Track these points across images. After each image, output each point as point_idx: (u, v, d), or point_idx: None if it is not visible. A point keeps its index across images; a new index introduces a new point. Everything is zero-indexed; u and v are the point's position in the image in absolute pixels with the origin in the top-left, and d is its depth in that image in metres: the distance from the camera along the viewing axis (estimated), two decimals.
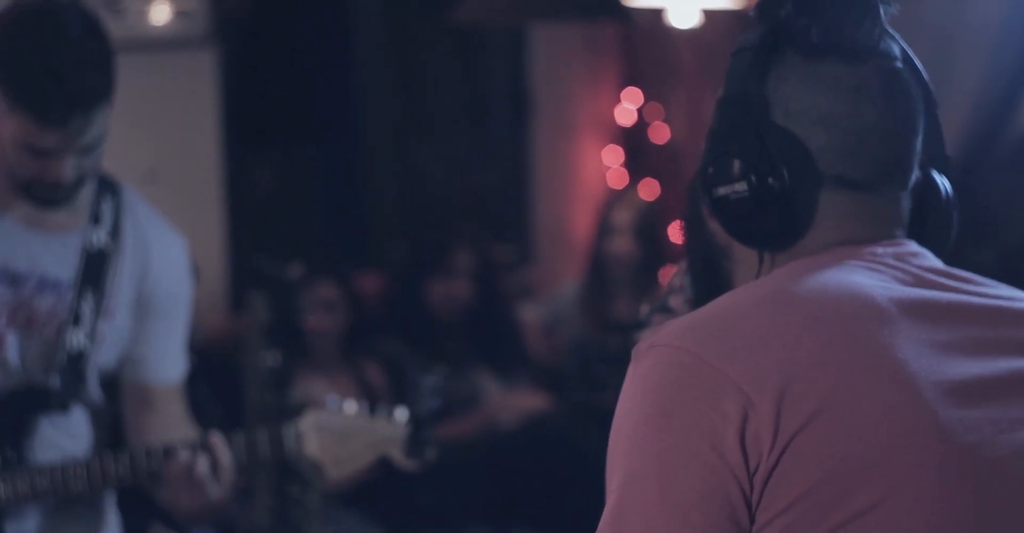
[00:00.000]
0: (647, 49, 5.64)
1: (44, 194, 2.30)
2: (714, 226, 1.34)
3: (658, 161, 5.68)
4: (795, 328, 1.22)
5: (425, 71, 5.57)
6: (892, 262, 1.29)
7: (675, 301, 1.56)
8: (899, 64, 1.33)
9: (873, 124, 1.30)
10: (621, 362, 4.30)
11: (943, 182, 1.38)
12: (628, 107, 5.66)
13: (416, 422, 2.38)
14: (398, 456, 2.39)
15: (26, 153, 2.24)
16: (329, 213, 5.37)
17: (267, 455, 2.37)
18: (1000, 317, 1.29)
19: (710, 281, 1.38)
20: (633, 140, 5.68)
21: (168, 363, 2.44)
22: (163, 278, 2.44)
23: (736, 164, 1.29)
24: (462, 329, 4.50)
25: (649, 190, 5.28)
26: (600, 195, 5.52)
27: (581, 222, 5.51)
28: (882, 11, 1.31)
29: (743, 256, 1.34)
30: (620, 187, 5.44)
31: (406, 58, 5.50)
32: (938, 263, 1.32)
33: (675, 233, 5.09)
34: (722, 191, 1.30)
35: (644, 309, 1.65)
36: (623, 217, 4.65)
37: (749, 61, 1.32)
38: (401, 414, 2.40)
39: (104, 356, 2.37)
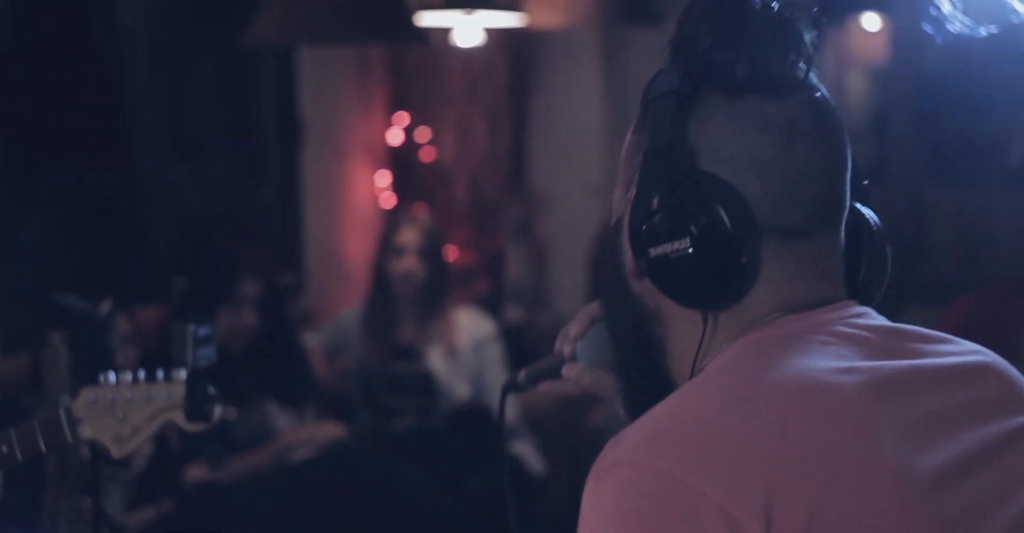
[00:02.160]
0: (415, 71, 5.74)
1: None
2: (643, 289, 1.28)
3: (427, 184, 5.79)
4: (770, 433, 1.13)
5: (192, 95, 5.52)
6: (845, 331, 1.24)
7: (571, 371, 1.46)
8: (822, 93, 1.27)
9: (808, 164, 1.24)
10: (407, 387, 4.35)
11: (870, 214, 1.34)
12: (397, 130, 5.75)
13: (191, 379, 2.25)
14: (182, 420, 2.26)
15: None
16: (102, 245, 5.27)
17: (42, 446, 2.24)
18: (954, 379, 1.25)
19: (639, 350, 1.31)
20: (402, 163, 5.77)
21: None
22: None
23: (674, 220, 1.23)
24: (249, 360, 4.48)
25: (422, 210, 5.36)
26: (371, 218, 5.58)
27: (354, 245, 5.56)
28: (807, 40, 1.25)
29: (680, 320, 1.27)
30: (390, 210, 5.52)
31: (172, 82, 5.44)
32: (884, 321, 1.28)
33: (452, 254, 5.20)
34: (660, 250, 1.24)
35: (522, 374, 1.53)
36: (408, 237, 4.69)
37: (671, 106, 1.24)
38: (180, 376, 2.25)
39: None
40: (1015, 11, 2.27)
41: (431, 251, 4.66)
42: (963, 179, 5.74)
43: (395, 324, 4.67)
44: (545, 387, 1.51)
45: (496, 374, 4.63)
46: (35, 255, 4.92)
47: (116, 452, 2.24)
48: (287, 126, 5.59)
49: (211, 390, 2.25)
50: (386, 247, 4.72)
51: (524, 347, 4.97)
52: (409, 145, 5.80)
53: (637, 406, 1.31)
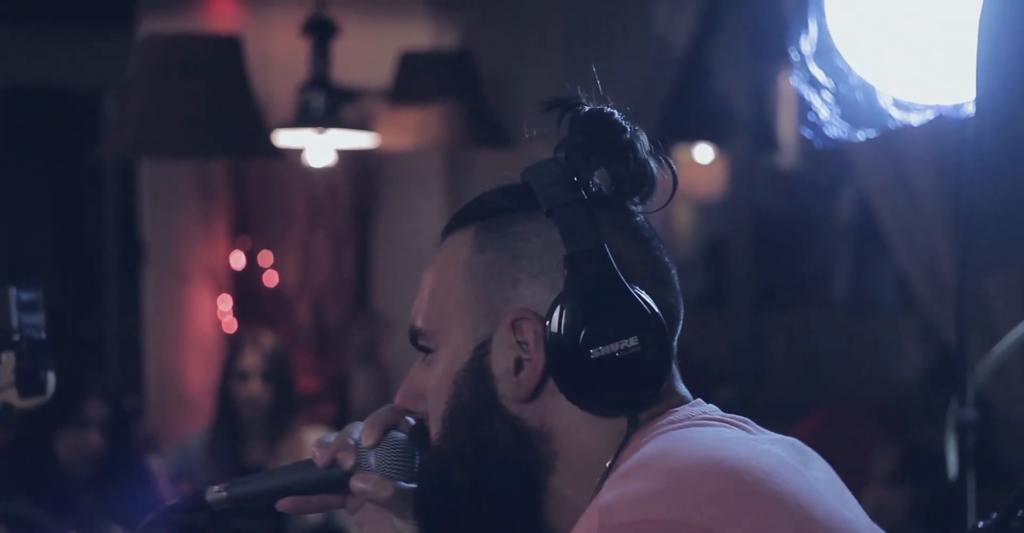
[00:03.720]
0: (258, 193, 5.77)
1: None
2: (526, 410, 1.29)
3: (270, 307, 5.79)
4: (768, 496, 1.18)
5: (30, 217, 5.48)
6: (720, 417, 1.32)
7: (366, 482, 1.38)
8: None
9: (667, 270, 1.35)
10: (257, 510, 4.35)
11: None
12: (239, 253, 5.75)
13: (20, 350, 2.15)
14: (15, 399, 2.17)
15: None
16: None
17: None
18: (801, 449, 1.33)
19: (517, 472, 1.30)
20: (244, 286, 5.76)
21: None
22: None
23: (621, 320, 1.26)
24: (94, 483, 4.40)
25: (266, 334, 5.35)
26: (213, 342, 5.56)
27: (196, 369, 5.52)
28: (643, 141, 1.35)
29: (576, 432, 1.29)
30: (232, 334, 5.50)
31: (13, 201, 5.40)
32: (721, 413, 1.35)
33: (297, 379, 5.19)
34: (604, 351, 1.26)
35: (219, 490, 1.39)
36: (252, 361, 4.69)
37: (583, 214, 1.30)
38: (7, 357, 2.14)
39: None
40: (890, 116, 2.42)
41: (276, 374, 4.67)
42: (793, 307, 5.95)
43: (242, 446, 4.64)
44: (294, 504, 1.41)
45: None
46: None
47: None
48: (128, 247, 5.56)
49: (41, 360, 2.14)
50: (230, 371, 4.71)
51: None
52: (251, 268, 5.80)
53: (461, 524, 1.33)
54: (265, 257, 5.83)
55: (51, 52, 5.29)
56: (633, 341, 1.26)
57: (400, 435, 1.40)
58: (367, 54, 5.36)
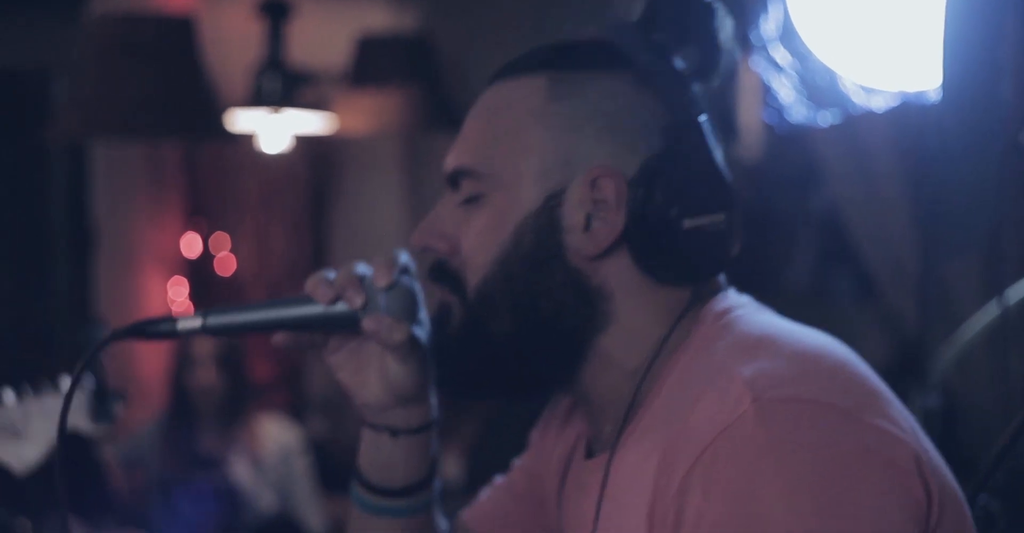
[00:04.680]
0: (213, 177, 5.73)
1: None
2: (591, 267, 1.30)
3: (224, 293, 5.75)
4: (870, 384, 1.23)
5: None
6: (756, 305, 1.38)
7: (378, 323, 1.37)
8: None
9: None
10: (210, 499, 4.29)
11: None
12: (193, 237, 5.71)
13: (98, 379, 2.29)
14: (83, 424, 2.30)
15: None
16: None
17: None
18: None
19: (566, 325, 1.31)
20: (198, 272, 5.73)
21: None
22: None
23: (715, 194, 1.30)
24: (45, 472, 4.36)
25: None
26: None
27: (147, 357, 5.47)
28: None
29: (637, 296, 1.31)
30: None
31: None
32: None
33: (251, 366, 5.15)
34: (694, 222, 1.29)
35: (200, 318, 1.36)
36: (204, 348, 4.66)
37: (683, 86, 1.33)
38: (65, 384, 2.28)
39: None
40: (852, 102, 2.41)
41: (228, 361, 4.65)
42: (751, 295, 5.95)
43: (196, 435, 4.62)
44: (289, 339, 1.41)
45: (305, 485, 4.60)
46: None
47: (19, 467, 2.24)
48: (78, 232, 5.51)
49: (110, 389, 2.27)
50: (182, 359, 4.69)
51: (327, 459, 4.95)
52: (205, 253, 5.76)
53: (479, 376, 1.35)
54: (220, 242, 5.79)
55: None
56: (720, 217, 1.29)
57: (407, 279, 1.40)
58: (324, 37, 5.33)
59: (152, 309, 5.60)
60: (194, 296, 5.69)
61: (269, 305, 1.38)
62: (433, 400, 1.49)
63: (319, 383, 5.69)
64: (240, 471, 4.52)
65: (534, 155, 1.32)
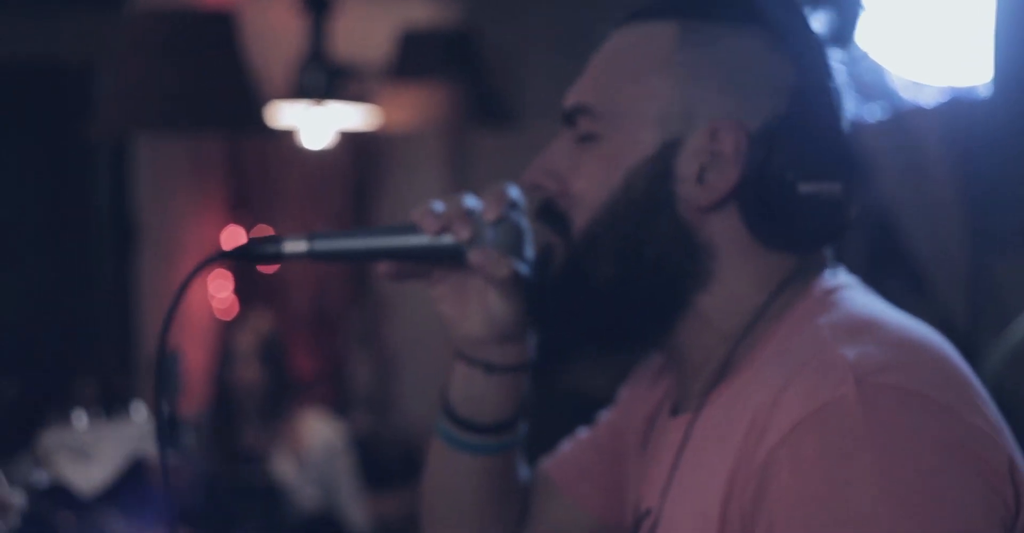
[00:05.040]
0: (257, 171, 5.74)
1: None
2: (702, 221, 1.28)
3: (268, 288, 5.76)
4: (969, 379, 1.22)
5: (24, 193, 5.45)
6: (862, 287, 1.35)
7: (485, 257, 1.36)
8: None
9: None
10: (253, 494, 4.29)
11: None
12: (236, 232, 5.72)
13: (167, 407, 2.35)
14: (152, 450, 2.34)
15: None
16: None
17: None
18: None
19: (668, 276, 1.29)
20: (241, 268, 5.74)
21: None
22: None
23: (837, 162, 1.28)
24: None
25: (261, 317, 5.33)
26: (208, 323, 5.53)
27: (191, 350, 5.48)
28: None
29: (742, 258, 1.30)
30: (232, 314, 5.47)
31: (2, 180, 5.37)
32: None
33: (295, 361, 5.16)
34: (810, 188, 1.27)
35: (308, 241, 1.35)
36: (247, 343, 4.67)
37: (819, 50, 1.31)
38: (138, 409, 2.35)
39: None
40: (900, 97, 2.38)
41: (270, 357, 4.65)
42: None
43: (239, 430, 4.62)
44: (394, 269, 1.41)
45: (348, 481, 4.60)
46: None
47: (86, 487, 2.29)
48: (121, 226, 5.53)
49: (180, 419, 2.31)
50: (225, 354, 4.70)
51: (370, 455, 4.95)
52: None
53: (573, 316, 1.33)
54: (262, 234, 5.79)
55: (41, 26, 5.25)
56: (836, 187, 1.27)
57: (517, 214, 1.39)
58: (367, 31, 5.32)
59: (195, 303, 5.61)
60: (236, 290, 5.70)
61: (375, 233, 1.38)
62: (531, 340, 1.48)
63: (363, 379, 5.69)
64: (283, 467, 4.52)
65: (656, 100, 1.31)
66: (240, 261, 1.37)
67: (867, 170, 1.30)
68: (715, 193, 1.28)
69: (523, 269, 1.39)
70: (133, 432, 2.33)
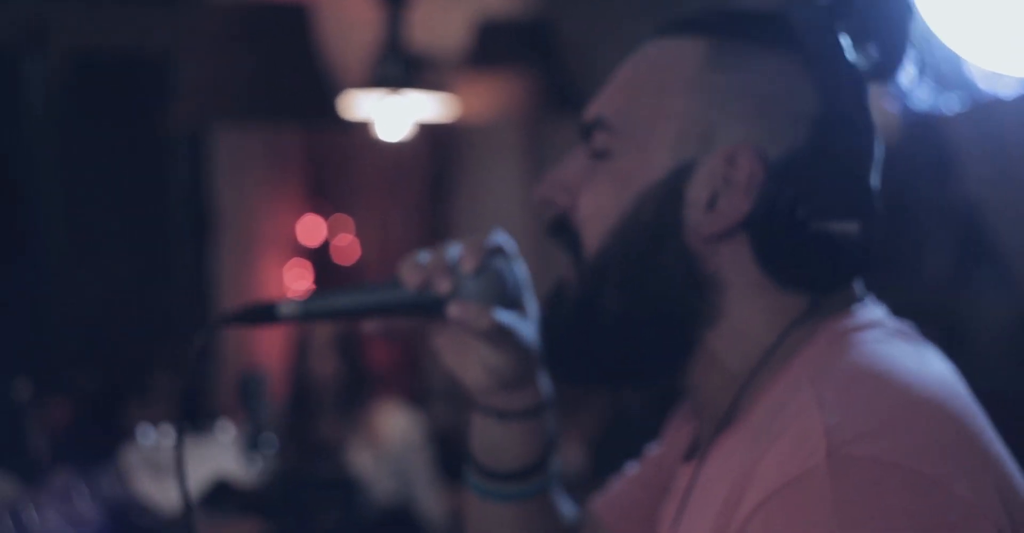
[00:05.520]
0: (334, 161, 5.75)
1: None
2: (709, 253, 1.22)
3: (345, 279, 5.77)
4: (975, 446, 1.12)
5: (103, 184, 5.49)
6: (898, 329, 1.25)
7: (465, 311, 1.32)
8: None
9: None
10: (330, 486, 4.30)
11: None
12: (315, 221, 5.74)
13: (253, 425, 2.37)
14: (235, 467, 2.38)
15: None
16: (4, 334, 5.19)
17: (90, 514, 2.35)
18: (957, 379, 1.28)
19: (673, 313, 1.23)
20: (319, 257, 5.76)
21: None
22: None
23: (854, 199, 1.21)
24: None
25: None
26: None
27: (268, 341, 5.51)
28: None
29: (751, 294, 1.23)
30: None
31: (82, 171, 5.41)
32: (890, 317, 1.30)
33: (372, 352, 5.17)
34: (823, 226, 1.20)
35: (292, 304, 1.33)
36: (323, 335, 4.68)
37: (851, 78, 1.24)
38: (223, 425, 2.39)
39: None
40: (977, 88, 2.33)
41: (347, 349, 4.66)
42: (882, 288, 5.86)
43: (316, 422, 4.64)
44: (381, 327, 1.38)
45: (425, 474, 4.61)
46: None
47: (166, 505, 2.32)
48: (199, 218, 5.57)
49: (266, 435, 2.34)
50: (301, 346, 4.71)
51: (448, 447, 4.95)
52: (327, 239, 5.79)
53: (581, 364, 1.28)
54: (340, 227, 5.81)
55: (120, 19, 5.29)
56: (853, 226, 1.21)
57: (498, 261, 1.36)
58: (444, 21, 5.31)
59: (272, 293, 5.63)
60: (318, 281, 5.72)
61: (363, 290, 1.35)
62: (543, 383, 1.44)
63: (441, 370, 5.69)
64: (359, 460, 4.53)
65: (674, 121, 1.25)
66: (241, 325, 1.33)
67: (884, 211, 1.22)
68: (724, 221, 1.21)
69: (506, 318, 1.34)
70: (217, 451, 2.35)
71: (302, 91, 3.92)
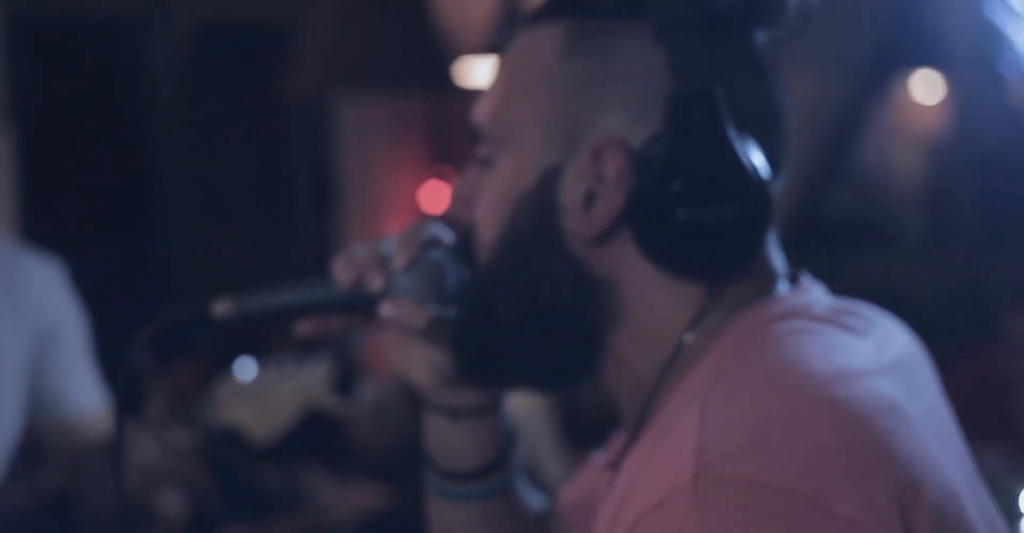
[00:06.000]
0: (456, 125, 5.76)
1: None
2: (593, 255, 1.14)
3: None
4: (877, 446, 1.02)
5: (222, 151, 5.56)
6: (826, 315, 1.15)
7: (397, 308, 1.25)
8: None
9: (783, 108, 1.16)
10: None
11: None
12: (438, 186, 5.76)
13: (341, 357, 2.33)
14: (325, 397, 2.36)
15: None
16: (128, 303, 5.29)
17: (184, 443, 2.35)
18: (908, 361, 1.18)
19: (574, 320, 1.16)
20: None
21: (86, 394, 2.39)
22: (53, 309, 2.41)
23: (723, 181, 1.11)
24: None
25: None
26: None
27: None
28: None
29: (648, 292, 1.14)
30: None
31: (205, 139, 5.48)
32: (830, 299, 1.20)
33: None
34: (695, 213, 1.11)
35: (226, 305, 1.26)
36: None
37: (699, 44, 1.12)
38: (314, 360, 2.36)
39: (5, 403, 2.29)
40: None
41: None
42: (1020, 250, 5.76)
43: None
44: (312, 326, 1.29)
45: (549, 440, 4.61)
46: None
47: (260, 431, 2.35)
48: (322, 184, 5.61)
49: (357, 367, 2.29)
50: None
51: (571, 412, 4.95)
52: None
53: (502, 365, 1.21)
54: None
55: None
56: (731, 207, 1.10)
57: (436, 254, 1.26)
58: None
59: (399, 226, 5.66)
60: None
61: (294, 288, 1.28)
62: None
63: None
64: None
65: (540, 120, 1.16)
66: (171, 334, 1.25)
67: (766, 191, 1.10)
68: (600, 222, 1.12)
69: (444, 313, 1.26)
70: (307, 379, 2.35)
71: (421, 58, 3.93)
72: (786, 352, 1.08)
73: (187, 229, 5.49)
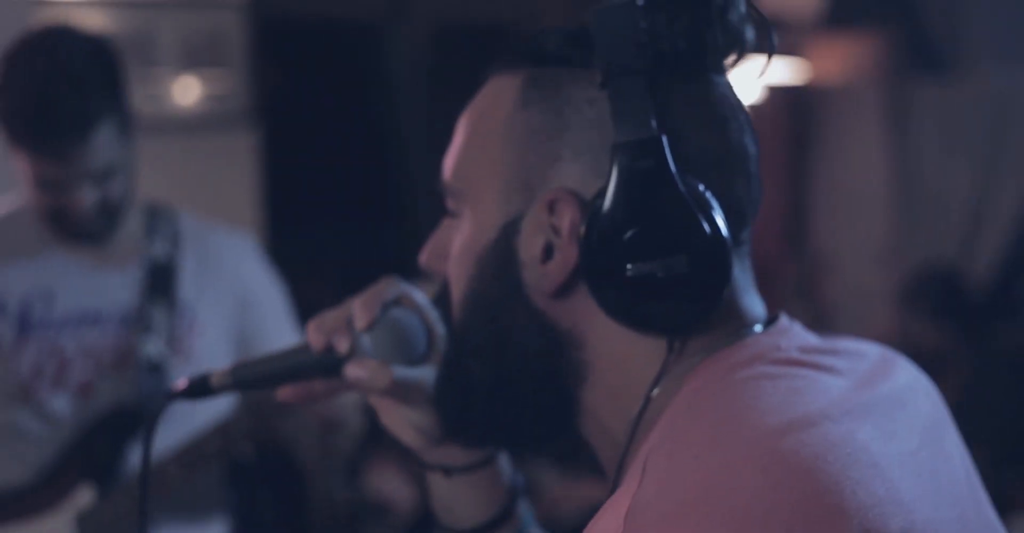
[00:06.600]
0: None
1: (77, 228, 2.35)
2: (557, 309, 1.12)
3: None
4: (820, 487, 0.97)
5: (338, 154, 5.65)
6: (796, 357, 1.10)
7: (361, 369, 1.24)
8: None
9: (743, 152, 1.12)
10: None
11: None
12: None
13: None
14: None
15: (39, 188, 2.30)
16: None
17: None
18: (895, 399, 1.12)
19: (540, 376, 1.14)
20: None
21: None
22: (248, 277, 2.55)
23: (669, 233, 1.06)
24: None
25: None
26: None
27: None
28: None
29: (612, 345, 1.12)
30: None
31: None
32: (810, 338, 1.15)
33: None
34: (644, 268, 1.06)
35: (219, 374, 1.29)
36: None
37: (643, 91, 1.08)
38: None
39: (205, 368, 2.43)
40: None
41: None
42: None
43: None
44: (294, 392, 1.30)
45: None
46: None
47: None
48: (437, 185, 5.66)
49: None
50: None
51: None
52: None
53: (480, 425, 1.20)
54: None
55: None
56: (681, 260, 1.06)
57: (397, 313, 1.26)
58: None
59: None
60: None
61: (278, 357, 1.29)
62: None
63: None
64: None
65: (498, 173, 1.15)
66: (187, 399, 1.31)
67: (720, 240, 1.06)
68: (560, 274, 1.11)
69: (409, 374, 1.25)
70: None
71: None
72: (738, 403, 1.03)
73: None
